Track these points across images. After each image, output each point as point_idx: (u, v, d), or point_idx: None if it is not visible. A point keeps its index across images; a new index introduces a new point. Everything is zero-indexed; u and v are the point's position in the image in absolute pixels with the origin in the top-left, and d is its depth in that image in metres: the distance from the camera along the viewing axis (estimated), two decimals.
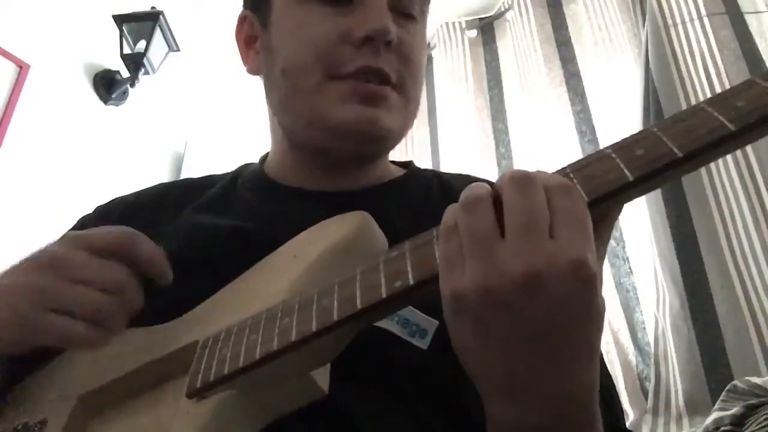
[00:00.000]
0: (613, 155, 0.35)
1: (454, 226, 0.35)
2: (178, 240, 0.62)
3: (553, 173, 0.37)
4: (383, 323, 0.50)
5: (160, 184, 0.77)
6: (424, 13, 0.68)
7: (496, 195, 0.35)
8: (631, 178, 0.33)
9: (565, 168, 0.37)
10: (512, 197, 0.34)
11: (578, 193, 0.34)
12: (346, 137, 0.61)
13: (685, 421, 1.45)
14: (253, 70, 0.71)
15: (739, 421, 1.02)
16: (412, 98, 0.65)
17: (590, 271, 0.32)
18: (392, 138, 0.64)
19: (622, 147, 0.35)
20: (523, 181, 0.34)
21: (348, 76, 0.60)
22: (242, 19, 0.72)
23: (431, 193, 0.68)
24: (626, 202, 0.36)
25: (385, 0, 0.61)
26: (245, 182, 0.71)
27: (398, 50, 0.62)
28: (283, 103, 0.65)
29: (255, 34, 0.70)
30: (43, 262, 0.47)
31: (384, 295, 0.36)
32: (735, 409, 1.04)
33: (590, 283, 0.32)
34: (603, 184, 0.34)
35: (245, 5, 0.73)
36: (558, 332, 0.33)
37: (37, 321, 0.45)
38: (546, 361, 0.34)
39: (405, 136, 0.68)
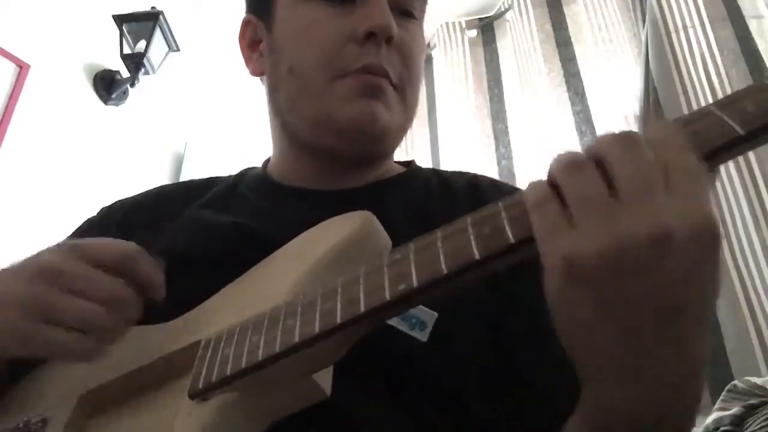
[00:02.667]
0: None
1: (547, 193, 0.33)
2: (179, 237, 0.62)
3: None
4: None
5: (162, 186, 0.77)
6: (423, 12, 0.69)
7: (595, 158, 0.33)
8: None
9: None
10: (622, 158, 0.32)
11: (687, 146, 0.32)
12: (351, 136, 0.62)
13: None
14: (256, 72, 0.71)
15: (739, 421, 1.02)
16: (408, 99, 0.66)
17: (718, 228, 0.30)
18: (391, 136, 0.65)
19: None
20: (630, 140, 0.32)
21: (351, 73, 0.61)
22: (246, 23, 0.73)
23: (430, 190, 0.68)
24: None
25: None
26: (248, 184, 0.71)
27: (399, 49, 0.63)
28: (290, 103, 0.66)
29: (258, 38, 0.71)
30: (36, 271, 0.46)
31: (388, 298, 0.36)
32: (735, 409, 1.04)
33: (718, 241, 0.30)
34: None
35: (248, 9, 0.74)
36: (687, 297, 0.31)
37: (29, 332, 0.43)
38: (672, 333, 0.31)
39: (402, 136, 0.69)
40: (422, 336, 0.51)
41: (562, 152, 0.34)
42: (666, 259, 0.30)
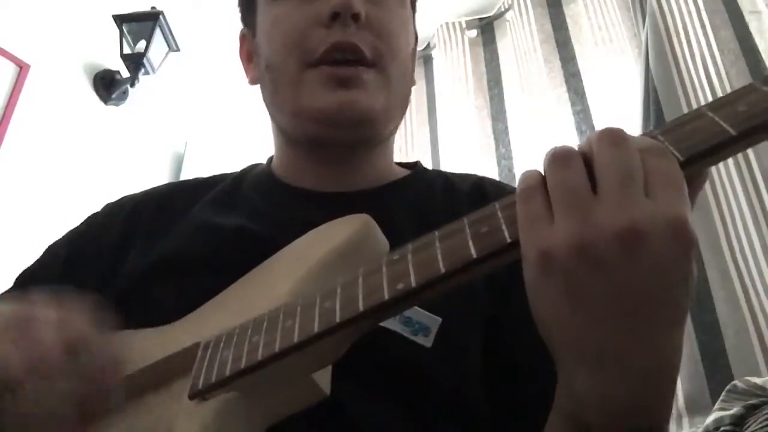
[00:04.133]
0: None
1: (535, 186, 0.34)
2: (182, 239, 0.62)
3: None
4: (385, 321, 0.50)
5: (169, 183, 0.78)
6: None
7: (583, 155, 0.34)
8: None
9: None
10: (606, 152, 0.33)
11: (671, 155, 0.33)
12: (330, 124, 0.62)
13: (685, 421, 1.45)
14: (252, 80, 0.73)
15: (739, 421, 1.02)
16: (392, 75, 0.64)
17: (691, 232, 0.31)
18: (377, 118, 0.64)
19: None
20: (616, 137, 0.33)
21: (322, 60, 0.61)
22: (242, 37, 0.76)
23: (435, 193, 0.68)
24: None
25: None
26: (252, 182, 0.72)
27: (371, 26, 0.63)
28: (271, 99, 0.67)
29: (252, 49, 0.73)
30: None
31: (386, 297, 0.36)
32: (735, 409, 1.04)
33: (690, 245, 0.31)
34: None
35: (242, 23, 0.76)
36: (654, 295, 0.31)
37: None
38: (640, 326, 0.32)
39: (395, 117, 0.68)
40: (426, 342, 0.51)
41: (558, 145, 0.35)
42: (633, 256, 0.30)
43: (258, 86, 0.72)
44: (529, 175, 0.35)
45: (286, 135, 0.69)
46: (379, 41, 0.63)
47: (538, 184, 0.34)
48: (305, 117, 0.63)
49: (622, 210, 0.31)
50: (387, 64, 0.64)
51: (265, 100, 0.70)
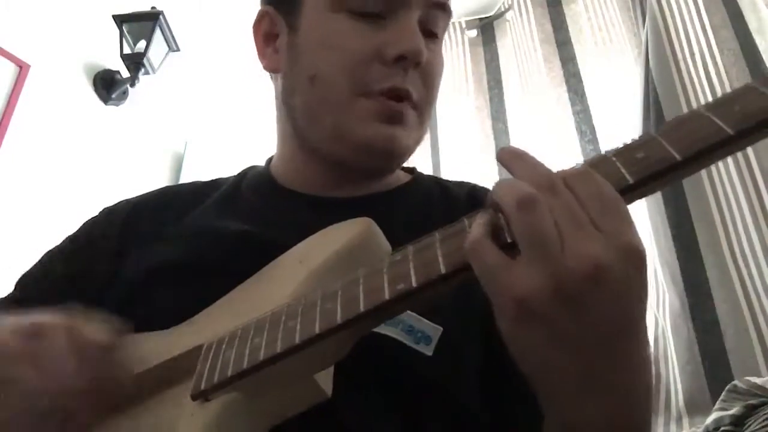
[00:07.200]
0: (613, 158, 0.36)
1: (480, 240, 0.35)
2: (182, 244, 0.62)
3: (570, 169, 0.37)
4: (388, 330, 0.50)
5: (166, 187, 0.77)
6: (444, 31, 0.69)
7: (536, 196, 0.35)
8: (630, 181, 0.34)
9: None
10: (552, 201, 0.34)
11: (593, 177, 0.35)
12: (369, 154, 0.62)
13: (685, 421, 1.45)
14: (270, 68, 0.70)
15: (739, 421, 1.03)
16: (425, 117, 0.67)
17: (642, 252, 0.34)
18: (408, 153, 0.66)
19: (622, 151, 0.36)
20: (549, 182, 0.35)
21: (376, 94, 0.61)
22: (262, 15, 0.71)
23: (433, 199, 0.69)
24: (626, 204, 0.36)
25: (416, 19, 0.62)
26: (250, 185, 0.71)
27: (423, 70, 0.63)
28: (308, 110, 0.65)
29: (276, 32, 0.69)
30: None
31: (387, 298, 0.37)
32: (735, 409, 1.05)
33: (643, 263, 0.34)
34: None
35: (266, 1, 0.71)
36: (621, 316, 0.34)
37: None
38: (616, 346, 0.35)
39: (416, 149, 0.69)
40: (427, 350, 0.51)
41: (507, 182, 0.36)
42: (600, 288, 0.33)
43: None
44: (478, 220, 0.36)
45: (309, 147, 0.67)
46: (425, 87, 0.64)
47: (482, 236, 0.35)
48: (347, 142, 0.62)
49: (584, 248, 0.33)
50: (424, 108, 0.65)
51: (291, 102, 0.67)
